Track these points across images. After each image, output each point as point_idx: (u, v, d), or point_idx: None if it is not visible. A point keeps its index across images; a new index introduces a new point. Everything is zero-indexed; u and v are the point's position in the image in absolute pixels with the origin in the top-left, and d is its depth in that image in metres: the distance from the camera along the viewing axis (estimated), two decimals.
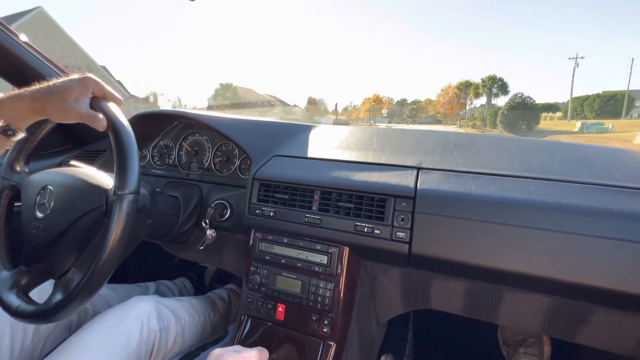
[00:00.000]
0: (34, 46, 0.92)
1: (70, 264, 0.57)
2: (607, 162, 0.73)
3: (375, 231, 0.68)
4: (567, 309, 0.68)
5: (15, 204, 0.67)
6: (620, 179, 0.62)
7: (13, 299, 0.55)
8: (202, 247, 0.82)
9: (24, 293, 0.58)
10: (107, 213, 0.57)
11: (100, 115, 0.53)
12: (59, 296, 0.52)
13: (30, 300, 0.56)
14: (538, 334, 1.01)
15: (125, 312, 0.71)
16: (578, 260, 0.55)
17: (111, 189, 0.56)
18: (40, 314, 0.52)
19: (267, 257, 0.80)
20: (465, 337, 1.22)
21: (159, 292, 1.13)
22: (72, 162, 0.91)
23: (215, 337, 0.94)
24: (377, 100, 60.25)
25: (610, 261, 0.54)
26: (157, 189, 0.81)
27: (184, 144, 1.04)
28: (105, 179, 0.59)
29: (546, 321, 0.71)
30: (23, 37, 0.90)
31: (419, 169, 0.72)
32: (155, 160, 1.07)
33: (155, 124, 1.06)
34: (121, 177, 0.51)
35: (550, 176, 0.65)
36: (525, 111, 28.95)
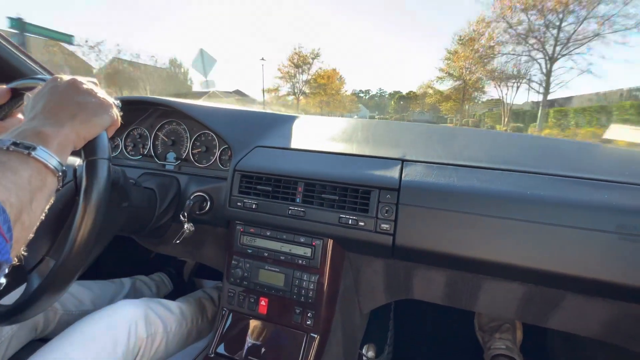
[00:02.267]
0: (13, 42, 0.83)
1: (44, 252, 0.53)
2: (579, 156, 0.76)
3: (360, 223, 0.67)
4: (539, 296, 0.71)
5: None
6: (591, 171, 0.65)
7: None
8: (178, 241, 0.79)
9: None
10: (78, 189, 0.53)
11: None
12: (34, 287, 0.48)
13: None
14: (512, 320, 1.06)
15: (113, 317, 0.67)
16: (552, 249, 0.58)
17: (77, 163, 0.51)
18: (16, 310, 0.47)
19: (249, 251, 0.78)
20: (443, 325, 1.27)
21: (135, 289, 1.08)
22: None
23: (199, 340, 0.91)
24: (299, 59, 29.30)
25: (581, 250, 0.56)
26: (130, 180, 0.76)
27: (159, 133, 0.98)
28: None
29: (520, 307, 0.75)
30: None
31: (403, 161, 0.72)
32: (128, 150, 1.01)
33: (128, 112, 1.00)
34: (88, 143, 0.46)
35: (527, 169, 0.67)
36: None
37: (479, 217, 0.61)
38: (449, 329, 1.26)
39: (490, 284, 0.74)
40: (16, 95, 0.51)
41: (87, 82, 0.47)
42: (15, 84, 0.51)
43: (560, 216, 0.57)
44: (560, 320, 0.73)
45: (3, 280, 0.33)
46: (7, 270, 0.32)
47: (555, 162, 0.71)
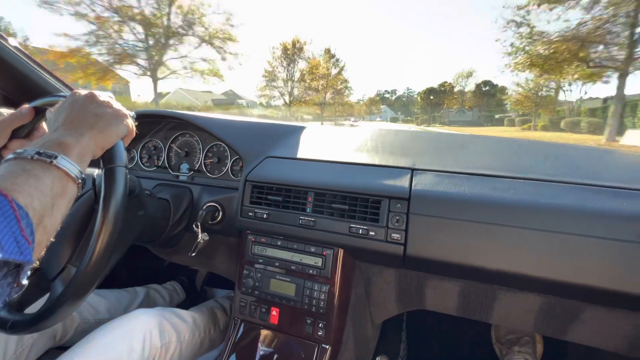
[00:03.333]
0: (37, 60, 0.88)
1: (66, 260, 0.55)
2: (596, 163, 0.74)
3: (370, 233, 0.67)
4: (558, 308, 0.69)
5: None
6: (609, 179, 0.63)
7: (5, 315, 0.50)
8: (194, 254, 0.80)
9: (16, 306, 0.53)
10: (97, 197, 0.55)
11: None
12: (57, 295, 0.50)
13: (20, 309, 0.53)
14: (531, 332, 1.03)
15: (129, 326, 0.68)
16: (569, 259, 0.56)
17: (96, 172, 0.53)
18: (40, 317, 0.48)
19: (261, 260, 0.79)
20: (457, 336, 1.23)
21: (149, 297, 1.10)
22: None
23: (211, 350, 0.91)
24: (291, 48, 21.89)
25: (600, 260, 0.54)
26: (146, 191, 0.79)
27: (173, 145, 1.01)
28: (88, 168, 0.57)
29: (539, 320, 0.72)
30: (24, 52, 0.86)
31: (413, 170, 0.72)
32: (143, 161, 1.04)
33: (142, 124, 1.03)
34: (106, 152, 0.49)
35: (541, 177, 0.65)
36: None
37: (493, 227, 0.60)
38: (464, 340, 1.22)
39: (506, 295, 0.72)
40: (39, 112, 0.54)
41: (103, 95, 0.50)
42: (38, 103, 0.54)
43: (577, 225, 0.56)
44: (581, 334, 0.71)
45: (26, 282, 0.35)
46: (29, 272, 0.34)
47: (571, 169, 0.70)
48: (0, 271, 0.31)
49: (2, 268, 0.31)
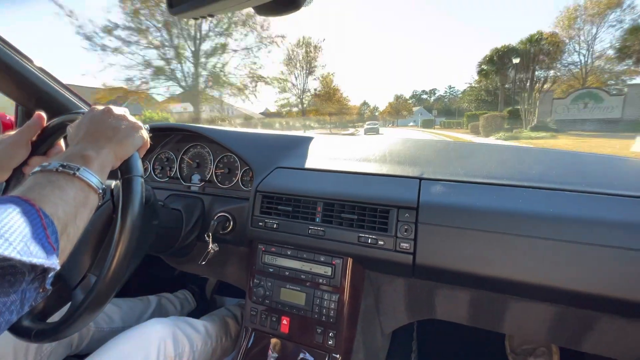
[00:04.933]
0: (57, 78, 0.93)
1: (86, 269, 0.57)
2: (606, 171, 0.74)
3: (379, 242, 0.68)
4: (572, 318, 0.68)
5: None
6: (620, 187, 0.63)
7: (29, 324, 0.52)
8: (203, 262, 0.81)
9: (39, 315, 0.55)
10: (115, 207, 0.57)
11: None
12: (78, 303, 0.51)
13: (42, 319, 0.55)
14: (546, 343, 1.00)
15: (144, 336, 0.70)
16: (581, 268, 0.56)
17: (114, 183, 0.56)
18: (62, 325, 0.49)
19: (271, 270, 0.80)
20: (470, 346, 1.21)
21: (161, 306, 1.12)
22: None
23: (223, 359, 0.92)
24: None
25: (613, 269, 0.54)
26: (159, 202, 0.81)
27: (184, 157, 1.04)
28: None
29: (552, 330, 0.71)
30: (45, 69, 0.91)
31: (421, 179, 0.72)
32: (156, 172, 1.07)
33: (153, 137, 1.06)
34: (123, 163, 0.51)
35: (550, 185, 0.65)
36: None
37: (502, 236, 0.60)
38: (476, 350, 1.20)
39: (518, 305, 0.72)
40: (60, 128, 0.58)
41: (119, 109, 0.54)
42: (59, 119, 0.57)
43: (588, 234, 0.56)
44: (597, 344, 0.69)
45: (50, 287, 0.36)
46: (52, 279, 0.36)
47: (579, 177, 0.69)
48: (28, 276, 0.32)
49: (30, 273, 0.33)
